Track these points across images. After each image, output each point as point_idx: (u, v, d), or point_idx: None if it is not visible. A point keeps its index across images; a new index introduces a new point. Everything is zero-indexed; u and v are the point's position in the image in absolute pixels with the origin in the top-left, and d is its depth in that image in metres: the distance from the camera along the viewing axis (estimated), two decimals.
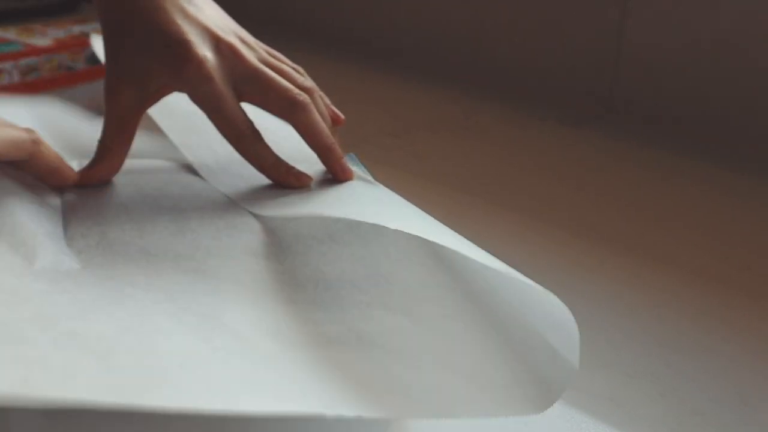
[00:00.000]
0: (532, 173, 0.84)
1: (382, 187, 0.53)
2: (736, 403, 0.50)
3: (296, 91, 0.53)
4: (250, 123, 0.52)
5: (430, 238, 0.43)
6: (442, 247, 0.47)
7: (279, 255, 0.45)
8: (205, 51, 0.52)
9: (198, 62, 0.51)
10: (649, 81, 0.96)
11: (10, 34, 0.90)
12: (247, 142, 0.52)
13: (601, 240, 0.70)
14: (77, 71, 0.89)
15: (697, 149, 0.89)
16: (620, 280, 0.64)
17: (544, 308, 0.43)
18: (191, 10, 0.54)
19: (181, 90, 0.52)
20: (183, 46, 0.51)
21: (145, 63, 0.52)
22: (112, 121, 0.53)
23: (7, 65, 0.83)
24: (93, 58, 0.90)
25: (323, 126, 0.53)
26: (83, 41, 0.91)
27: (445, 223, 0.72)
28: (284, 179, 0.52)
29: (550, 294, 0.41)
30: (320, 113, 0.55)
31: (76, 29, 0.95)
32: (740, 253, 0.69)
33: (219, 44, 0.53)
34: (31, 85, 0.85)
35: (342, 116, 0.58)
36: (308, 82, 0.57)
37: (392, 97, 1.04)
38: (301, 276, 0.44)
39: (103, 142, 0.53)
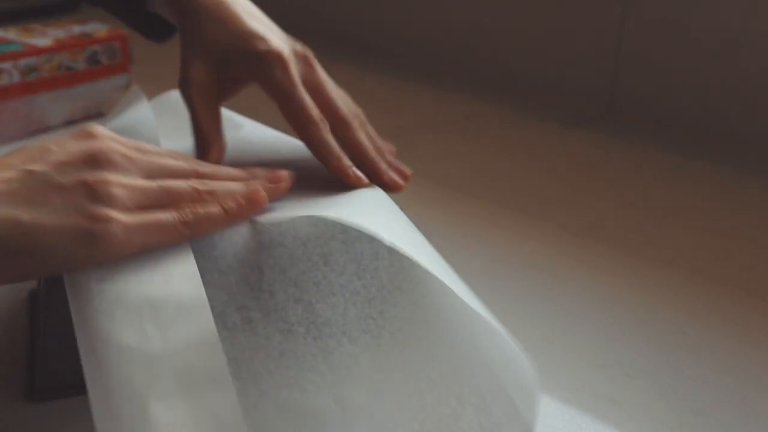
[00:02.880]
0: (533, 173, 0.84)
1: (385, 199, 0.53)
2: (737, 403, 0.50)
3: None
4: (319, 112, 0.54)
5: (422, 263, 0.44)
6: (427, 274, 0.47)
7: (273, 284, 0.45)
8: (283, 46, 0.55)
9: (277, 53, 0.54)
10: (650, 81, 0.96)
11: (10, 34, 0.90)
12: (315, 128, 0.53)
13: (601, 240, 0.70)
14: (77, 71, 0.89)
15: (697, 149, 0.89)
16: (620, 280, 0.63)
17: (513, 364, 0.44)
18: (259, 16, 0.58)
19: (255, 77, 0.54)
20: (263, 39, 0.55)
21: (222, 53, 0.55)
22: (202, 112, 0.55)
23: (7, 65, 0.83)
24: (93, 57, 0.90)
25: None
26: (83, 41, 0.91)
27: (445, 223, 0.72)
28: (344, 172, 0.52)
29: (522, 355, 0.43)
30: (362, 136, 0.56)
31: (76, 29, 0.94)
32: (741, 253, 0.68)
33: (295, 47, 0.56)
34: (31, 85, 0.85)
35: (394, 149, 0.59)
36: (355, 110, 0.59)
37: (392, 97, 1.04)
38: (293, 316, 0.44)
39: (201, 135, 0.55)
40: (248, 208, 0.46)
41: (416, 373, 0.44)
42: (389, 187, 0.54)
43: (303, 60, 0.56)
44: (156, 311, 0.40)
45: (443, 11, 1.13)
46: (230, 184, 0.47)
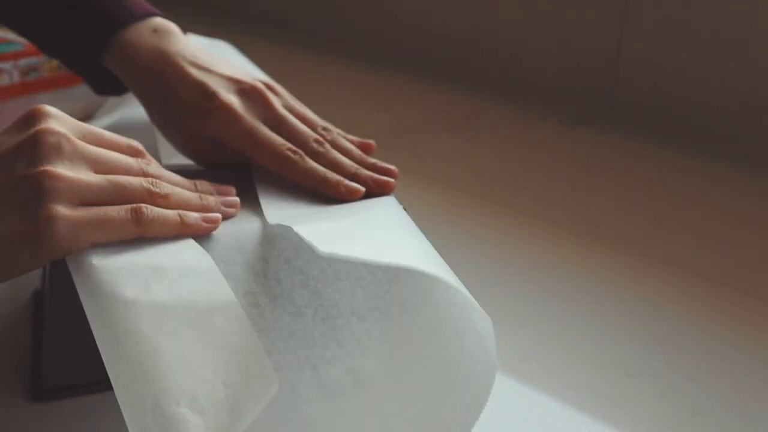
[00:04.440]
0: (532, 173, 0.84)
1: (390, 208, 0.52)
2: (736, 403, 0.50)
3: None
4: (290, 145, 0.53)
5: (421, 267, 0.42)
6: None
7: (279, 272, 0.45)
8: (228, 95, 0.54)
9: (225, 106, 0.53)
10: (649, 81, 0.96)
11: (11, 34, 0.90)
12: (291, 163, 0.52)
13: (601, 240, 0.70)
14: None
15: (697, 149, 0.89)
16: (620, 280, 0.64)
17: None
18: (202, 63, 0.56)
19: (213, 135, 0.54)
20: (207, 93, 0.54)
21: (179, 116, 0.55)
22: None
23: (7, 65, 0.83)
24: None
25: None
26: None
27: (444, 223, 0.72)
28: (334, 191, 0.51)
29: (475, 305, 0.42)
30: (340, 149, 0.55)
31: None
32: (741, 253, 0.69)
33: (242, 87, 0.55)
34: (31, 85, 0.85)
35: (372, 143, 0.58)
36: (327, 128, 0.57)
37: (392, 98, 1.04)
38: (300, 300, 0.44)
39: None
40: (204, 230, 0.45)
41: (424, 336, 0.44)
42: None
43: (254, 97, 0.55)
44: (160, 273, 0.41)
45: (443, 12, 1.13)
46: (185, 193, 0.46)
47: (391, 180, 0.53)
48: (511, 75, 1.07)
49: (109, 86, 0.63)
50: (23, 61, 0.85)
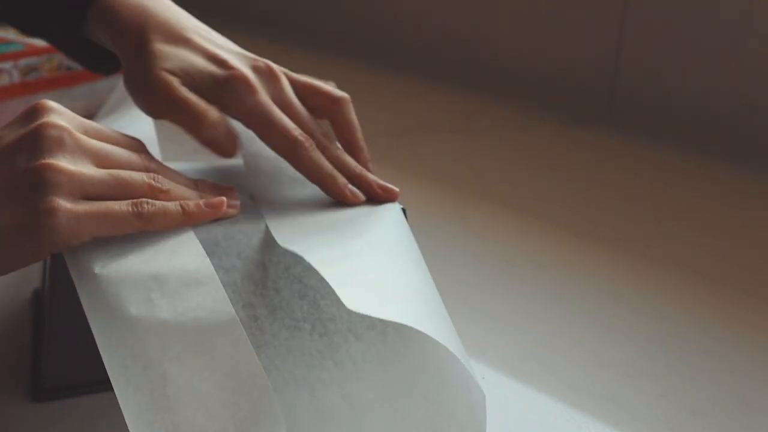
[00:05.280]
0: (532, 173, 0.84)
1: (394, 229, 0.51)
2: (736, 404, 0.50)
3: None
4: (302, 131, 0.51)
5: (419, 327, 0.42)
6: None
7: (278, 281, 0.45)
8: (245, 68, 0.52)
9: (242, 76, 0.51)
10: (649, 81, 0.96)
11: (10, 34, 0.90)
12: (303, 150, 0.50)
13: (601, 240, 0.70)
14: (77, 71, 0.89)
15: (697, 149, 0.89)
16: (620, 280, 0.64)
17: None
18: (215, 38, 0.54)
19: (221, 103, 0.51)
20: (224, 62, 0.52)
21: (182, 79, 0.51)
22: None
23: (7, 65, 0.83)
24: None
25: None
26: None
27: (444, 223, 0.72)
28: (342, 193, 0.50)
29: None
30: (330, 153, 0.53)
31: None
32: (741, 253, 0.69)
33: (256, 64, 0.53)
34: (31, 85, 0.85)
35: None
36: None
37: (393, 98, 1.04)
38: (299, 312, 0.44)
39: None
40: (207, 215, 0.45)
41: (420, 365, 0.44)
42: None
43: (267, 76, 0.53)
44: (161, 283, 0.41)
45: (443, 11, 1.13)
46: (186, 189, 0.46)
47: (395, 188, 0.52)
48: (511, 75, 1.07)
49: (98, 62, 0.60)
50: (23, 61, 0.85)
